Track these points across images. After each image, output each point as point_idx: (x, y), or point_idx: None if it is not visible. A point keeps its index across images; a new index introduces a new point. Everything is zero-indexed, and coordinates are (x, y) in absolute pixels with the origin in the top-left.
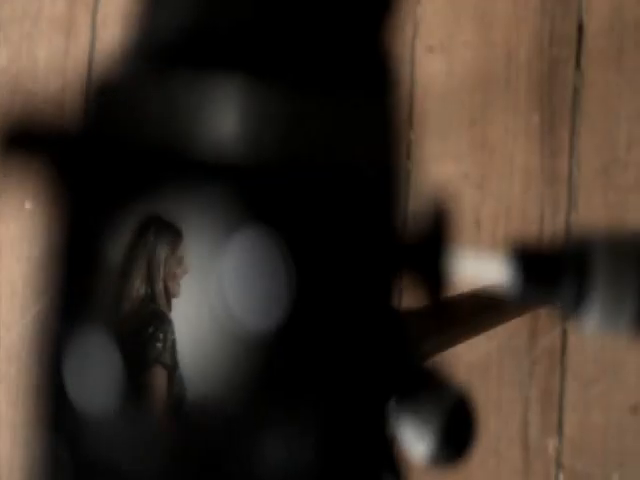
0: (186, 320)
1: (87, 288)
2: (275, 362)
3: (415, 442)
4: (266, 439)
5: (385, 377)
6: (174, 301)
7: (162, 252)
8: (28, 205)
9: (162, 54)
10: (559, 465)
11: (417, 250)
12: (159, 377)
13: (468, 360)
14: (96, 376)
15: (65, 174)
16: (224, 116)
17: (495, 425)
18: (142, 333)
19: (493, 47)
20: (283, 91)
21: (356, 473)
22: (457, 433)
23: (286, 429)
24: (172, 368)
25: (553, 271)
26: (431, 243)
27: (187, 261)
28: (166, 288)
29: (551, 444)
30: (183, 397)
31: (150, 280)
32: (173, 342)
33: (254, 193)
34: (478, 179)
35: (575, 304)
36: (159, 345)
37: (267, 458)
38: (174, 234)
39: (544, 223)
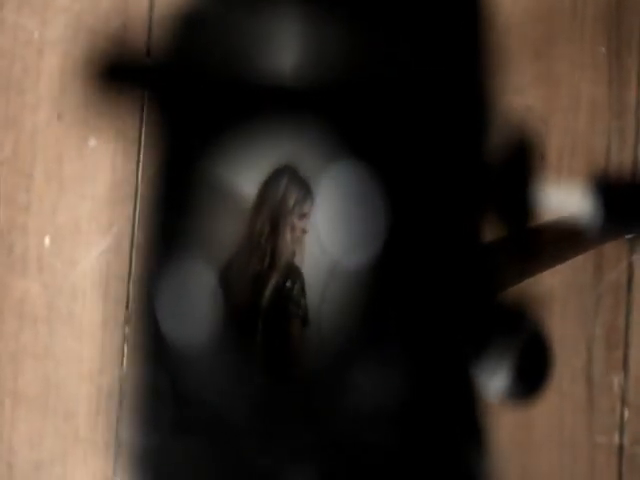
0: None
1: (201, 224)
2: (368, 295)
3: (489, 376)
4: (358, 370)
5: (466, 309)
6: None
7: (290, 200)
8: (92, 142)
9: None
10: (624, 402)
11: (500, 181)
12: (296, 329)
13: (531, 296)
14: (192, 310)
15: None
16: (287, 44)
17: (558, 362)
18: (281, 287)
19: None
20: (345, 20)
21: (440, 407)
22: (532, 367)
23: (376, 360)
24: (307, 319)
25: (638, 202)
26: (514, 175)
27: (310, 221)
28: (288, 238)
29: (616, 381)
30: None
31: (274, 224)
32: (305, 297)
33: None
34: (542, 113)
35: None
36: (297, 299)
37: (357, 389)
38: (305, 189)
39: (611, 156)
